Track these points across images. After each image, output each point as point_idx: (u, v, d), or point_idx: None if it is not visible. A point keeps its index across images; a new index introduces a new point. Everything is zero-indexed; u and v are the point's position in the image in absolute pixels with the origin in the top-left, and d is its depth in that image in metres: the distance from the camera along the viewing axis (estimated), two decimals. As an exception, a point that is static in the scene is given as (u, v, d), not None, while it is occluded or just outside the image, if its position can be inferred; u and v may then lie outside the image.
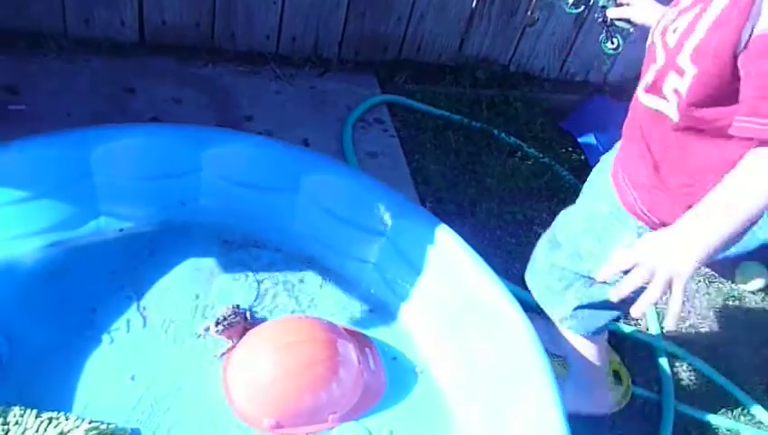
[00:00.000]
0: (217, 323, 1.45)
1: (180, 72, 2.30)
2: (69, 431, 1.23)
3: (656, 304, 2.02)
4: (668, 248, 1.03)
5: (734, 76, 1.04)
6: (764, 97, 1.00)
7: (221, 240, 1.71)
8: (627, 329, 1.97)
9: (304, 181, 1.65)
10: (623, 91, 2.87)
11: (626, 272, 1.05)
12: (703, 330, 2.08)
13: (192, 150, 1.62)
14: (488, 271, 1.51)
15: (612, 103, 2.74)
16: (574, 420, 1.34)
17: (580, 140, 2.59)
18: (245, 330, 1.48)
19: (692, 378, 1.92)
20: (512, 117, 2.63)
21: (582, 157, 2.56)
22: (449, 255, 1.57)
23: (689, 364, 1.94)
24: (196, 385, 1.41)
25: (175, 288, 1.58)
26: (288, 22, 2.38)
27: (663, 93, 1.17)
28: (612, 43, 1.46)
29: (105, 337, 1.45)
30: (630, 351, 1.93)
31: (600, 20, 1.45)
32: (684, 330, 2.06)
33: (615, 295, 1.06)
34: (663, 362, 1.90)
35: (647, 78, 1.22)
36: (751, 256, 2.18)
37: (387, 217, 1.62)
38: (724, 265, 2.26)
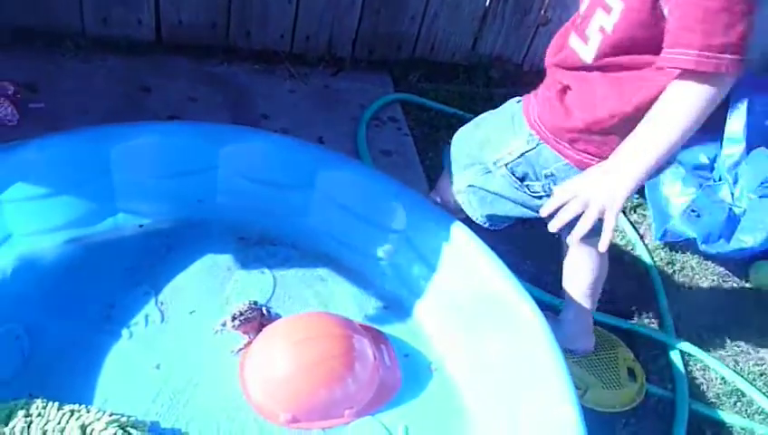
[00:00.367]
0: (234, 319, 1.46)
1: (196, 70, 2.33)
2: (90, 424, 1.24)
3: (667, 304, 2.04)
4: (601, 182, 1.20)
5: (655, 15, 1.12)
6: (687, 27, 1.07)
7: (237, 237, 1.72)
8: (642, 328, 1.98)
9: (320, 179, 1.66)
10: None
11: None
12: (717, 328, 2.07)
13: (209, 148, 1.63)
14: (503, 268, 1.52)
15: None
16: (589, 417, 1.34)
17: (593, 138, 2.59)
18: (262, 325, 1.49)
19: (706, 376, 1.92)
20: (525, 116, 2.63)
21: (596, 156, 2.56)
22: (464, 252, 1.57)
23: (703, 363, 1.94)
24: (214, 380, 1.43)
25: (192, 284, 1.60)
26: (302, 21, 2.40)
27: (585, 34, 1.25)
28: None
29: (124, 332, 1.47)
30: (645, 348, 1.93)
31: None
32: (698, 329, 2.05)
33: (554, 226, 1.26)
34: (677, 360, 1.90)
35: (576, 20, 1.31)
36: (766, 255, 2.18)
37: (402, 215, 1.63)
38: (738, 264, 2.26)
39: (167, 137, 1.61)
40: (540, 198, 1.45)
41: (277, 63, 2.44)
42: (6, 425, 1.21)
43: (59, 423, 1.24)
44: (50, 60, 2.15)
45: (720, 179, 2.44)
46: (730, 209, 2.21)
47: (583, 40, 1.27)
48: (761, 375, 1.96)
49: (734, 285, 2.25)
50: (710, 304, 2.15)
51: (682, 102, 1.10)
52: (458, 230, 1.58)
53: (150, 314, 1.52)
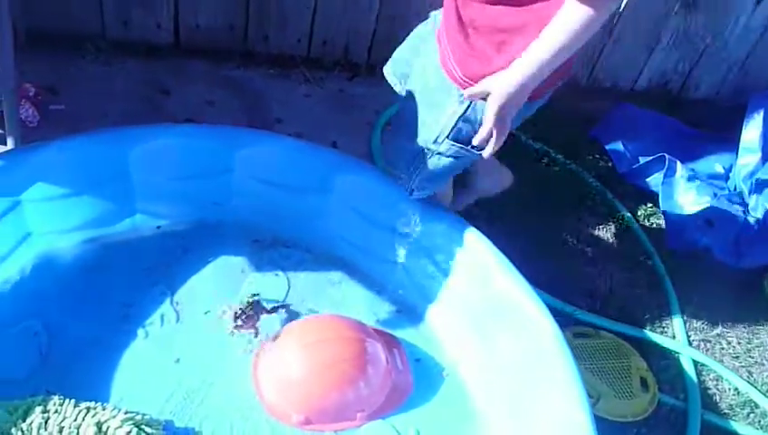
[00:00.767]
0: (236, 318, 1.48)
1: (213, 74, 2.35)
2: (106, 421, 1.26)
3: (680, 313, 2.04)
4: (498, 77, 1.29)
5: None
6: None
7: (252, 239, 1.74)
8: (654, 337, 1.97)
9: (335, 183, 1.68)
10: (651, 98, 2.87)
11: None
12: (730, 339, 2.06)
13: (226, 151, 1.65)
14: (516, 273, 1.53)
15: (640, 111, 2.73)
16: (600, 426, 1.34)
17: (607, 147, 2.59)
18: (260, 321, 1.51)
19: (719, 387, 1.91)
20: (539, 123, 2.63)
21: (610, 164, 2.55)
22: (477, 257, 1.58)
23: (716, 373, 1.93)
24: (228, 380, 1.44)
25: (208, 285, 1.62)
26: (319, 26, 2.42)
27: None
28: None
29: (140, 331, 1.49)
30: (657, 358, 1.92)
31: None
32: (711, 339, 2.05)
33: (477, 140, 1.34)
34: (690, 369, 1.90)
35: None
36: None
37: (415, 219, 1.64)
38: (752, 274, 2.25)
39: (185, 139, 1.63)
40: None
41: (293, 68, 2.46)
42: (24, 421, 1.23)
43: (75, 420, 1.26)
44: (71, 63, 2.18)
45: (735, 189, 2.44)
46: (745, 219, 2.20)
47: None
48: (774, 386, 1.95)
49: (748, 295, 2.23)
50: (723, 314, 2.14)
51: (567, 18, 1.20)
52: (471, 235, 1.59)
53: (166, 313, 1.54)
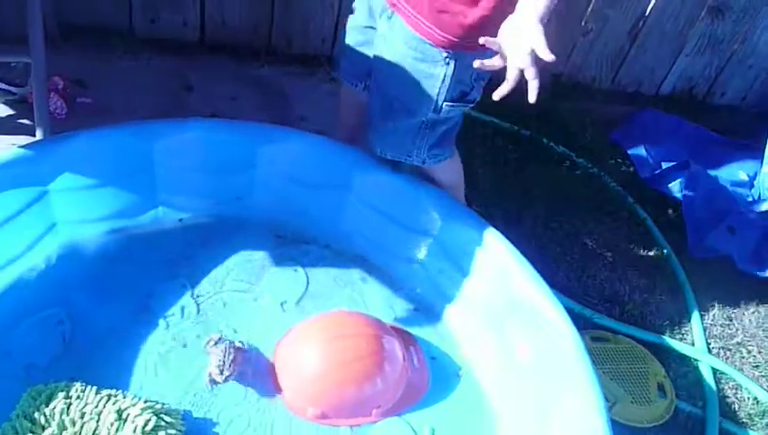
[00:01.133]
0: (222, 372, 1.36)
1: (237, 72, 2.37)
2: (126, 408, 1.28)
3: (701, 321, 2.02)
4: (512, 23, 1.23)
5: None
6: None
7: (273, 235, 1.75)
8: (673, 343, 1.96)
9: (356, 180, 1.69)
10: (676, 104, 2.85)
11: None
12: (751, 348, 2.04)
13: (249, 146, 1.67)
14: (535, 275, 1.52)
15: (663, 116, 2.72)
16: (617, 431, 1.34)
17: (629, 151, 2.57)
18: (244, 354, 1.41)
19: (738, 396, 1.89)
20: (561, 126, 2.63)
21: (632, 168, 2.54)
22: (496, 258, 1.58)
23: (735, 381, 1.91)
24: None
25: (228, 279, 1.63)
26: (343, 26, 2.43)
27: None
28: None
29: (161, 322, 1.51)
30: (676, 365, 1.91)
31: None
32: (731, 347, 2.03)
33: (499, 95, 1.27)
34: (708, 377, 1.88)
35: None
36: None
37: (435, 218, 1.64)
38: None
39: (209, 133, 1.65)
40: (472, 89, 1.50)
41: (317, 67, 2.48)
42: (47, 405, 1.26)
43: (96, 407, 1.28)
44: (99, 58, 2.21)
45: (759, 197, 2.41)
46: (767, 227, 2.18)
47: None
48: (795, 397, 1.93)
49: (769, 305, 2.21)
50: (744, 322, 2.12)
51: None
52: (491, 236, 1.59)
53: (186, 305, 1.56)
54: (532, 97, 1.23)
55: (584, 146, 2.58)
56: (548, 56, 1.18)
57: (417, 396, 1.49)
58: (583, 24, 2.57)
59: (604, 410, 1.33)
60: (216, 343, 1.39)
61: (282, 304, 1.61)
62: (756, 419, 1.84)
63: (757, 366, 1.99)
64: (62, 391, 1.29)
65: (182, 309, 1.55)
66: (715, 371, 1.91)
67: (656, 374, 1.83)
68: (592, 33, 2.59)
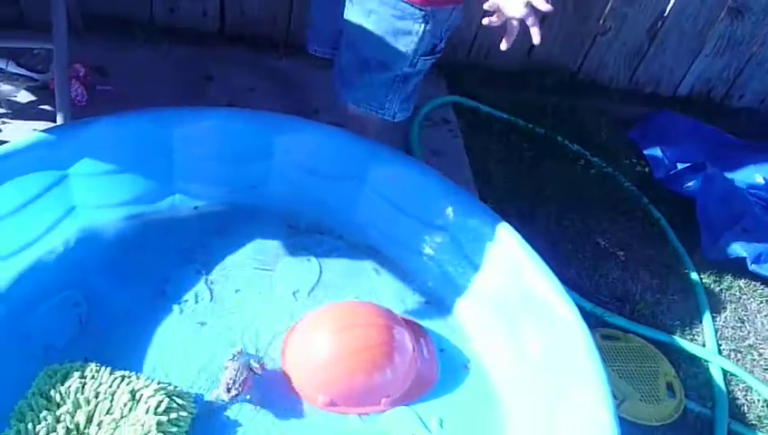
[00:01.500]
0: (229, 390, 1.35)
1: (256, 62, 2.39)
2: (139, 389, 1.30)
3: (712, 322, 2.01)
4: None
5: None
6: None
7: (287, 224, 1.77)
8: (684, 344, 1.95)
9: (370, 172, 1.70)
10: (693, 105, 2.83)
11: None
12: (762, 350, 2.03)
13: (266, 136, 1.69)
14: (546, 270, 1.53)
15: (681, 118, 2.71)
16: (624, 429, 1.34)
17: (645, 151, 2.57)
18: (255, 375, 1.39)
19: (748, 398, 1.89)
20: (577, 125, 2.63)
21: (647, 169, 2.54)
22: (508, 253, 1.58)
23: (745, 383, 1.91)
24: (257, 358, 1.47)
25: (241, 266, 1.65)
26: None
27: None
28: None
29: (175, 307, 1.53)
30: (686, 365, 1.91)
31: None
32: (742, 349, 2.02)
33: (506, 45, 1.32)
34: (718, 378, 1.88)
35: None
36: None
37: (449, 212, 1.65)
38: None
39: (226, 122, 1.67)
40: (441, 41, 1.60)
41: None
42: (63, 384, 1.28)
43: (110, 387, 1.30)
44: (119, 46, 2.24)
45: (775, 200, 2.40)
46: (783, 230, 2.17)
47: None
48: (806, 401, 1.92)
49: (783, 308, 2.20)
50: (756, 325, 2.11)
51: None
52: (504, 231, 1.59)
53: (201, 291, 1.58)
54: (536, 39, 1.29)
55: (599, 145, 2.58)
56: (544, 6, 1.25)
57: (426, 387, 1.50)
58: (601, 22, 2.57)
59: (612, 406, 1.33)
60: (233, 359, 1.38)
61: (294, 293, 1.63)
62: (766, 421, 1.84)
63: (767, 369, 1.99)
64: (77, 370, 1.31)
65: (196, 295, 1.57)
66: (725, 372, 1.91)
67: (665, 374, 1.83)
68: (611, 31, 2.58)
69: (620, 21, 2.56)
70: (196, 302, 1.56)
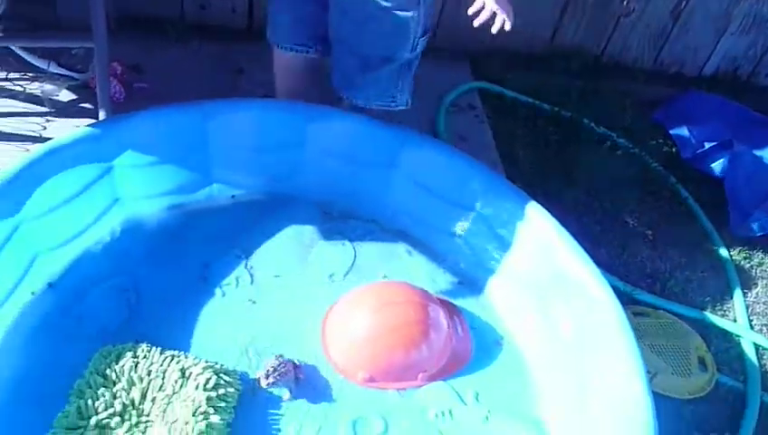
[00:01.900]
0: (267, 376, 1.42)
1: (284, 56, 2.44)
2: (188, 368, 1.37)
3: (743, 298, 2.03)
4: None
5: None
6: None
7: (321, 211, 1.82)
8: (715, 319, 1.97)
9: (402, 157, 1.74)
10: (719, 84, 2.83)
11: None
12: (794, 325, 2.04)
13: (299, 125, 1.74)
14: (578, 249, 1.56)
15: (707, 96, 2.70)
16: (657, 402, 1.36)
17: (672, 131, 2.58)
18: (297, 378, 1.45)
19: (780, 371, 1.90)
20: (602, 107, 2.64)
21: (674, 149, 2.55)
22: (540, 233, 1.62)
23: (778, 357, 1.92)
24: (297, 337, 1.53)
25: (279, 251, 1.71)
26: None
27: None
28: None
29: (217, 291, 1.60)
30: (718, 340, 1.93)
31: None
32: (774, 324, 2.03)
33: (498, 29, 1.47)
34: (750, 352, 1.89)
35: None
36: None
37: (479, 193, 1.69)
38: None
39: (262, 112, 1.73)
40: (429, 20, 1.66)
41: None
42: (117, 364, 1.35)
43: (161, 365, 1.37)
44: (154, 44, 2.31)
45: (805, 176, 2.39)
46: (814, 206, 2.17)
47: None
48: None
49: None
50: (788, 300, 2.12)
51: None
52: (534, 211, 1.63)
53: (241, 276, 1.64)
54: (494, 28, 1.49)
55: (625, 127, 2.59)
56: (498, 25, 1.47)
57: (462, 363, 1.54)
58: (625, 3, 2.57)
59: (645, 378, 1.36)
60: (279, 356, 1.45)
61: (330, 276, 1.68)
62: (798, 394, 1.85)
63: (800, 343, 1.99)
64: (129, 350, 1.38)
65: (237, 279, 1.63)
66: (757, 347, 1.93)
67: (697, 348, 1.86)
68: (634, 13, 2.59)
69: (644, 2, 2.56)
70: (237, 286, 1.62)
